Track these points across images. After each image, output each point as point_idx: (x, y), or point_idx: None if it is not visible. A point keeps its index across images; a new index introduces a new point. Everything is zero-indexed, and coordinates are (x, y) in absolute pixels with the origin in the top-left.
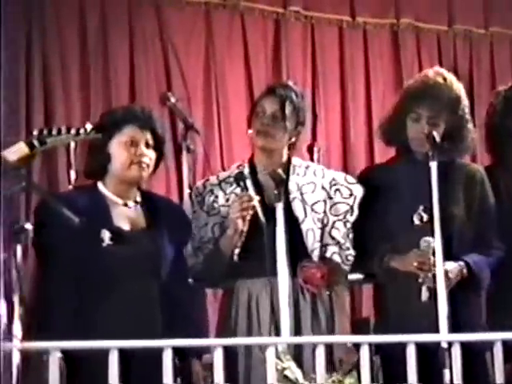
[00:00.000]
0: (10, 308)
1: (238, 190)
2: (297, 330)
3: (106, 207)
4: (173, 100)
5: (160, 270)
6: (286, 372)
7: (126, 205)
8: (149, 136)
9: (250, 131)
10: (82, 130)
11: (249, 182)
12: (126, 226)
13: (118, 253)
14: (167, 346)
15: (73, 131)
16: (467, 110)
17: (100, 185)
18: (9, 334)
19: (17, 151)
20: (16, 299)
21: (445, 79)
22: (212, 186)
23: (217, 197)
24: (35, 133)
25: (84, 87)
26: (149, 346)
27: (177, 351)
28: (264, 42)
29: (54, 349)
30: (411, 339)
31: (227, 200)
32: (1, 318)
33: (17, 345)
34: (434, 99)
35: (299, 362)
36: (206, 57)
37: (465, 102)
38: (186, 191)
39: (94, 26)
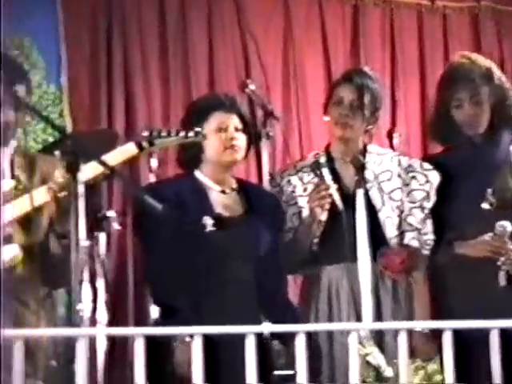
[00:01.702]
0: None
1: (316, 180)
2: (377, 316)
3: (205, 194)
4: (252, 87)
5: (257, 255)
6: (369, 358)
7: (223, 192)
8: (236, 120)
9: (326, 118)
10: (190, 133)
11: (326, 171)
12: (225, 212)
13: (219, 238)
14: (250, 332)
15: (182, 133)
16: (504, 79)
17: (197, 173)
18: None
19: (125, 151)
20: (100, 285)
21: (469, 58)
22: (290, 175)
23: (295, 187)
24: (145, 134)
25: (164, 78)
26: (234, 331)
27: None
28: (342, 28)
29: (138, 335)
30: (495, 325)
31: (305, 190)
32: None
33: (101, 330)
34: (465, 79)
35: (381, 348)
36: (285, 43)
37: (497, 72)
38: (266, 178)
39: (173, 15)
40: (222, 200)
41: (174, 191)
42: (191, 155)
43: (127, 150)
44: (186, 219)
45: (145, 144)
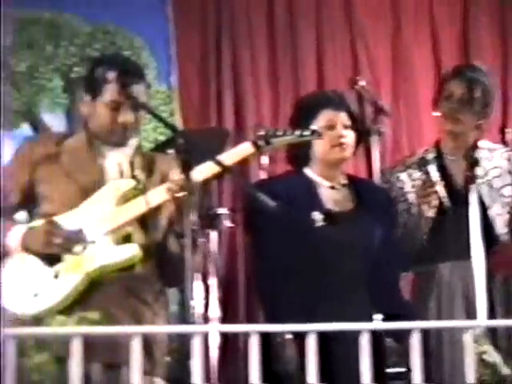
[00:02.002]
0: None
1: (424, 176)
2: (490, 314)
3: (314, 190)
4: (362, 83)
5: (369, 250)
6: (484, 356)
7: (332, 187)
8: (345, 117)
9: (436, 113)
10: (306, 132)
11: (433, 167)
12: (334, 208)
13: (330, 234)
14: (364, 329)
15: (297, 132)
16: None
17: (307, 170)
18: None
19: (242, 151)
20: (212, 283)
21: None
22: (399, 172)
23: (404, 183)
24: (261, 133)
25: (272, 77)
26: (348, 329)
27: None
28: (451, 21)
29: (253, 332)
30: None
31: (413, 186)
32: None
33: (214, 327)
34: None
35: (495, 346)
36: (393, 39)
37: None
38: (377, 175)
39: (281, 14)
40: (332, 195)
41: (285, 188)
42: (300, 153)
43: (244, 149)
44: (297, 215)
45: (261, 143)
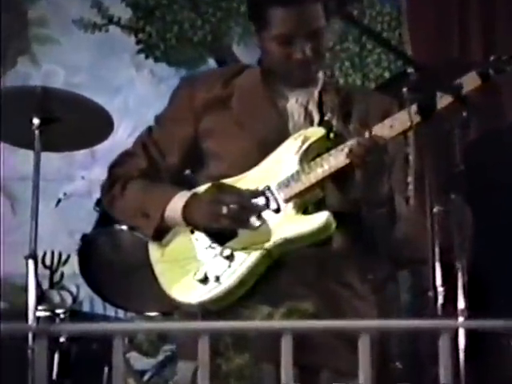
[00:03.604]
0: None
1: None
2: None
3: None
4: None
5: None
6: None
7: None
8: None
9: None
10: None
11: None
12: None
13: None
14: None
15: None
16: None
17: None
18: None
19: (469, 81)
20: (461, 265)
21: None
22: None
23: None
24: (492, 58)
25: None
26: None
27: None
28: None
29: None
30: None
31: None
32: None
33: (461, 322)
34: None
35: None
36: None
37: None
38: None
39: None
40: None
41: None
42: None
43: (470, 78)
44: None
45: (491, 72)
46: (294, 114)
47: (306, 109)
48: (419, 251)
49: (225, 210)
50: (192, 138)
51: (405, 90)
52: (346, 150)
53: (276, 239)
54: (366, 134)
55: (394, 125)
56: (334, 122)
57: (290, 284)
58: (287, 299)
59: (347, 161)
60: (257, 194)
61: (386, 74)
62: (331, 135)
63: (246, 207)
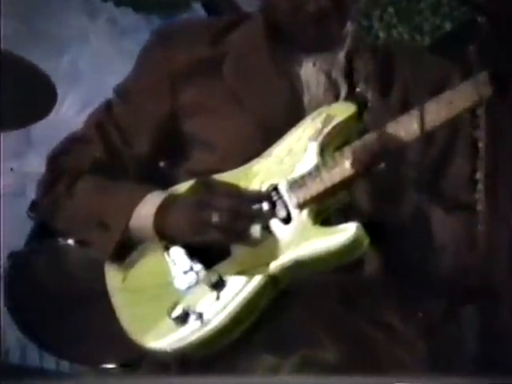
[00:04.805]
0: None
1: None
2: None
3: None
4: None
5: None
6: None
7: None
8: None
9: None
10: None
11: None
12: None
13: None
14: None
15: None
16: None
17: None
18: None
19: None
20: None
21: None
22: None
23: None
24: None
25: None
26: None
27: None
28: None
29: None
30: None
31: None
32: None
33: None
34: None
35: None
36: None
37: None
38: None
39: None
40: None
41: None
42: None
43: None
44: None
45: None
46: (310, 84)
47: (328, 77)
48: (487, 278)
49: (214, 217)
50: (168, 117)
51: (472, 48)
52: (349, 154)
53: (284, 261)
54: (375, 134)
55: (454, 100)
56: (369, 96)
57: (303, 324)
58: (300, 346)
59: (352, 171)
60: (259, 196)
61: (447, 26)
62: (365, 114)
63: (244, 214)
